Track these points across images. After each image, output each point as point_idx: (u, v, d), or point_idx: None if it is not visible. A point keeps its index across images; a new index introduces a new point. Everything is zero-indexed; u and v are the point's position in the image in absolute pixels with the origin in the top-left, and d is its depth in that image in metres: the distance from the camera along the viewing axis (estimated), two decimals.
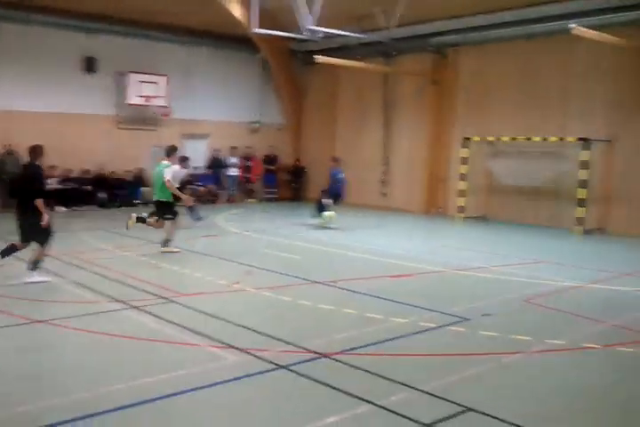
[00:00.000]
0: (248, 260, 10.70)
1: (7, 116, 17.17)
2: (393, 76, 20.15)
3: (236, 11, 18.92)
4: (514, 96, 17.29)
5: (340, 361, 5.75)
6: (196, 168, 20.51)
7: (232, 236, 14.07)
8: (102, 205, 18.63)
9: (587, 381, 5.49)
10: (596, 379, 5.53)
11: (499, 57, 17.58)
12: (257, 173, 22.15)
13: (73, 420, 4.35)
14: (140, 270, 9.59)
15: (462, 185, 17.80)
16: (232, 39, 21.01)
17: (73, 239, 12.33)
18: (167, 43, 20.15)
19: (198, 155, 21.27)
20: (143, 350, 6.01)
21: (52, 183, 16.47)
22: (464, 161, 17.66)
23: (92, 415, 4.44)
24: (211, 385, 5.09)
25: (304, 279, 9.31)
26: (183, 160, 12.40)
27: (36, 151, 8.72)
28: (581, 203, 15.35)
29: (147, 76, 19.35)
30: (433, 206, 19.29)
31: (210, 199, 21.01)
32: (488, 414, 4.63)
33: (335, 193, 15.67)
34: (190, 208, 14.55)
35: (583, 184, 15.32)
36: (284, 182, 23.01)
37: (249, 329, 6.69)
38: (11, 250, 8.82)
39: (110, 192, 18.94)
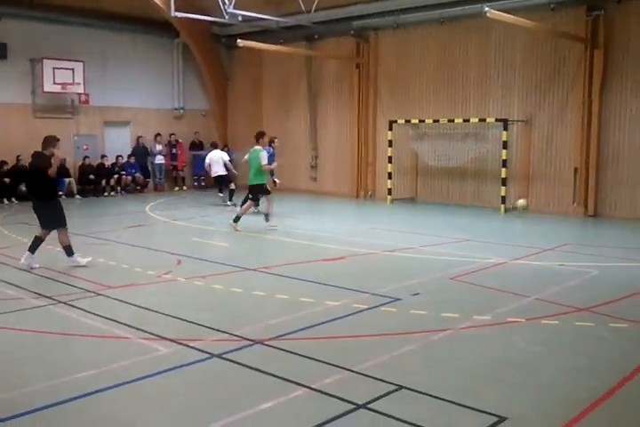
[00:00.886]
0: (177, 249, 10.55)
1: None
2: (317, 60, 20.15)
3: None
4: (435, 79, 17.59)
5: (273, 347, 5.76)
6: (118, 157, 20.05)
7: (160, 225, 13.82)
8: (23, 197, 17.93)
9: (513, 353, 5.69)
10: (521, 351, 5.74)
11: (418, 40, 17.82)
12: (183, 160, 21.81)
13: None
14: (66, 264, 9.31)
15: (389, 168, 18.03)
16: (151, 23, 20.48)
17: None
18: (82, 27, 19.43)
19: (121, 143, 20.77)
20: (70, 346, 5.85)
21: None
22: (390, 144, 17.88)
23: (4, 420, 4.24)
24: (141, 378, 5.00)
25: (236, 266, 9.26)
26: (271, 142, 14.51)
27: (45, 142, 9.09)
28: (503, 182, 15.84)
29: (62, 62, 18.64)
30: (362, 190, 19.49)
31: (136, 188, 20.58)
32: (419, 391, 4.74)
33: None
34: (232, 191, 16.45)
35: (504, 164, 15.80)
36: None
37: (180, 319, 6.60)
38: (36, 242, 9.04)
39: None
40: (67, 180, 18.82)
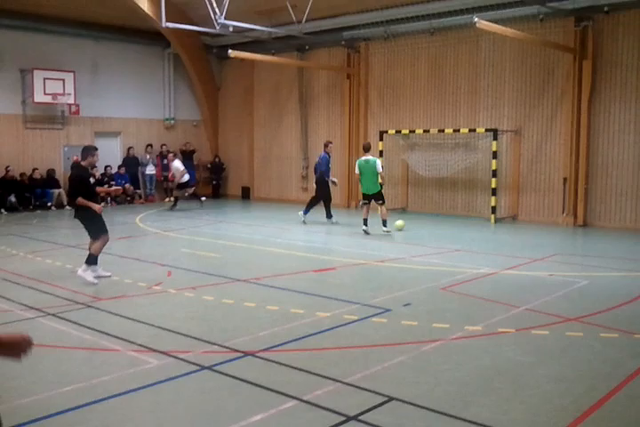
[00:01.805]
0: (168, 260, 10.53)
1: None
2: (308, 70, 20.23)
3: (144, 4, 18.43)
4: (425, 89, 17.70)
5: (264, 358, 5.74)
6: (106, 167, 19.98)
7: (150, 236, 13.79)
8: (12, 208, 17.87)
9: (503, 363, 5.69)
10: (512, 361, 5.75)
11: (409, 51, 17.94)
12: None
13: None
14: (55, 276, 9.26)
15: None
16: (141, 33, 20.54)
17: None
18: (73, 38, 19.47)
19: (111, 154, 20.74)
20: (60, 359, 5.81)
21: None
22: (381, 154, 17.92)
23: None
24: (131, 391, 4.97)
25: (226, 277, 9.24)
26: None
27: (83, 152, 9.08)
28: (493, 192, 15.91)
29: (52, 72, 18.65)
30: (353, 200, 19.50)
31: (126, 199, 20.53)
32: (410, 403, 4.74)
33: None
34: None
35: (494, 174, 15.88)
36: (203, 179, 22.74)
37: (171, 331, 6.58)
38: (93, 258, 9.02)
39: (20, 195, 18.18)
40: (56, 191, 18.76)
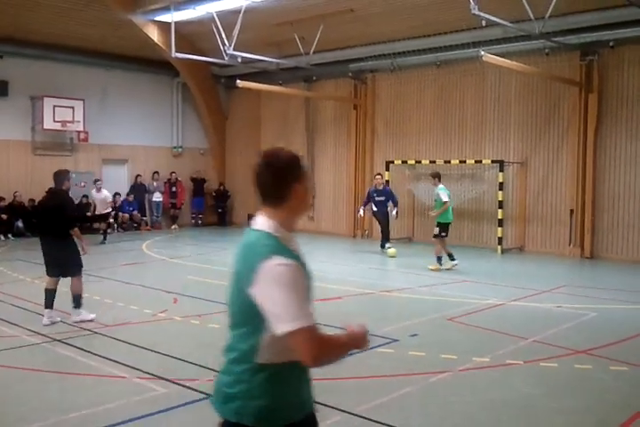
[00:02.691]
0: (174, 287, 10.51)
1: None
2: (315, 101, 20.43)
3: (154, 35, 18.72)
4: (431, 121, 17.83)
5: None
6: (115, 194, 20.06)
7: (156, 263, 13.78)
8: (19, 234, 17.92)
9: (511, 395, 5.64)
10: (520, 393, 5.69)
11: (415, 83, 18.12)
12: (183, 198, 21.86)
13: None
14: (62, 301, 9.23)
15: None
16: (150, 63, 20.81)
17: None
18: (83, 66, 19.74)
19: (119, 181, 20.85)
20: (66, 385, 5.78)
21: None
22: (387, 184, 17.97)
23: None
24: (137, 418, 4.93)
25: None
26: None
27: (60, 176, 8.52)
28: (500, 223, 15.91)
29: (62, 100, 18.87)
30: (359, 229, 19.52)
31: (133, 226, 20.59)
32: None
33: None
34: None
35: (500, 205, 15.90)
36: (209, 207, 22.83)
37: (177, 359, 6.54)
38: (51, 296, 8.08)
39: (27, 221, 18.24)
40: None
